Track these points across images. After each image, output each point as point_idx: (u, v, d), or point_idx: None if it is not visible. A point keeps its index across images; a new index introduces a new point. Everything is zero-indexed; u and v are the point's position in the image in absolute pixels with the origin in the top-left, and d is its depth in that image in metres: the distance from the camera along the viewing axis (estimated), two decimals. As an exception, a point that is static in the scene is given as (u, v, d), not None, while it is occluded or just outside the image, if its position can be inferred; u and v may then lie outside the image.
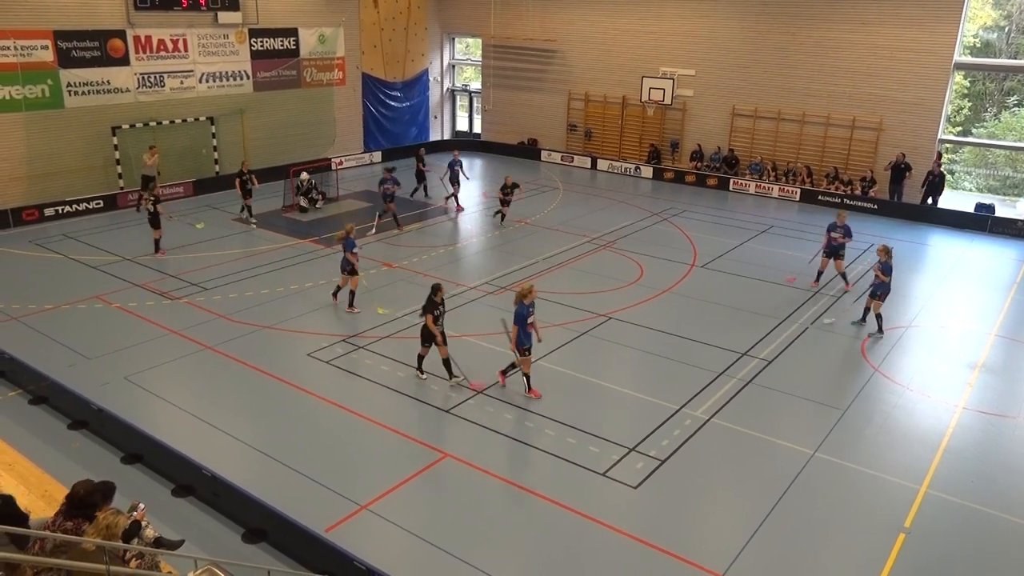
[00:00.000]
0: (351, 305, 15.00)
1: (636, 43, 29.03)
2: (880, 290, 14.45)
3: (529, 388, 11.86)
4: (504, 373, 12.15)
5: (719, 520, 9.28)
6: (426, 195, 24.60)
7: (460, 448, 10.45)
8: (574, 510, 9.21)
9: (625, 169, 29.36)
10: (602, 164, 29.98)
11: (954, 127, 25.87)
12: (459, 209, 23.02)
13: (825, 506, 9.49)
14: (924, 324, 15.44)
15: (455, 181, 22.81)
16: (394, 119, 31.90)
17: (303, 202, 22.48)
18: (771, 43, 26.30)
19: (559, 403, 11.77)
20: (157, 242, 18.08)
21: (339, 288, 15.26)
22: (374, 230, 20.35)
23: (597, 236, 20.61)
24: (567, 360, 13.25)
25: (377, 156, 30.22)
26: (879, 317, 14.60)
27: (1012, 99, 30.99)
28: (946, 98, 24.34)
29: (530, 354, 11.74)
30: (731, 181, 27.00)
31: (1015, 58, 24.90)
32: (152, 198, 17.68)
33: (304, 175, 22.85)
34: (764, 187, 26.36)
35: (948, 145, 25.32)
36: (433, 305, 11.80)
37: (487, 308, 15.53)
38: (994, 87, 30.90)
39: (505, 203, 21.32)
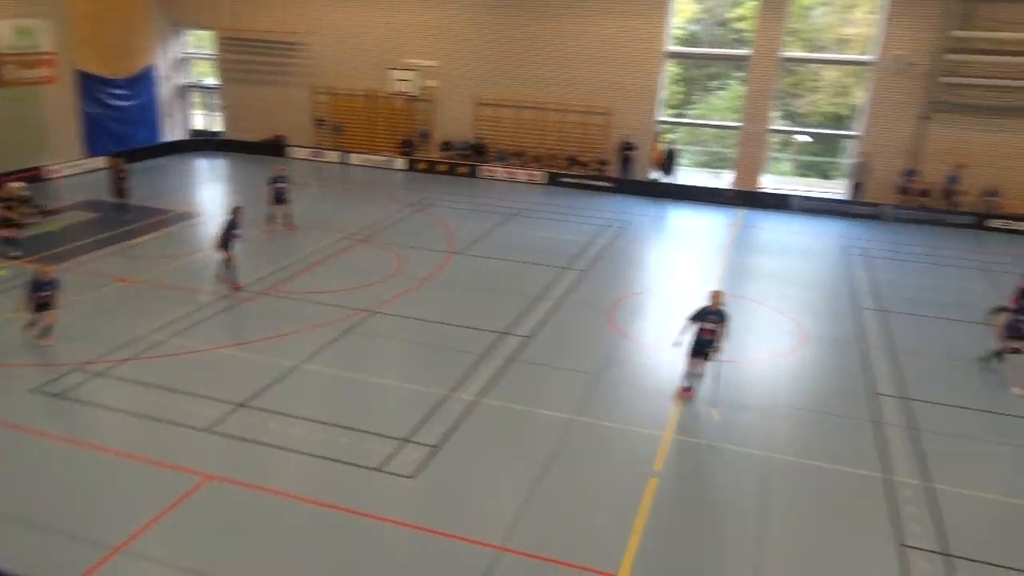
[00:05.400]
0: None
1: (380, 35, 28.91)
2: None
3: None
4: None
5: (496, 494, 9.63)
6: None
7: (223, 467, 9.82)
8: (353, 511, 9.07)
9: (378, 162, 29.22)
10: (355, 158, 29.58)
11: (671, 109, 28.84)
12: (289, 227, 19.97)
13: (587, 464, 10.22)
14: (658, 289, 17.11)
15: (281, 199, 19.75)
16: (120, 119, 28.94)
17: (15, 218, 19.67)
18: (508, 34, 27.50)
19: (327, 405, 11.50)
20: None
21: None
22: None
23: (354, 231, 20.32)
24: (332, 360, 12.96)
25: (101, 161, 27.23)
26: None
27: (715, 83, 35.36)
28: (662, 84, 27.07)
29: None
30: (481, 168, 27.93)
31: (715, 47, 28.43)
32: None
33: (15, 185, 20.00)
34: (512, 173, 27.59)
35: (666, 126, 28.17)
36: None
37: (242, 317, 14.74)
38: (700, 73, 34.90)
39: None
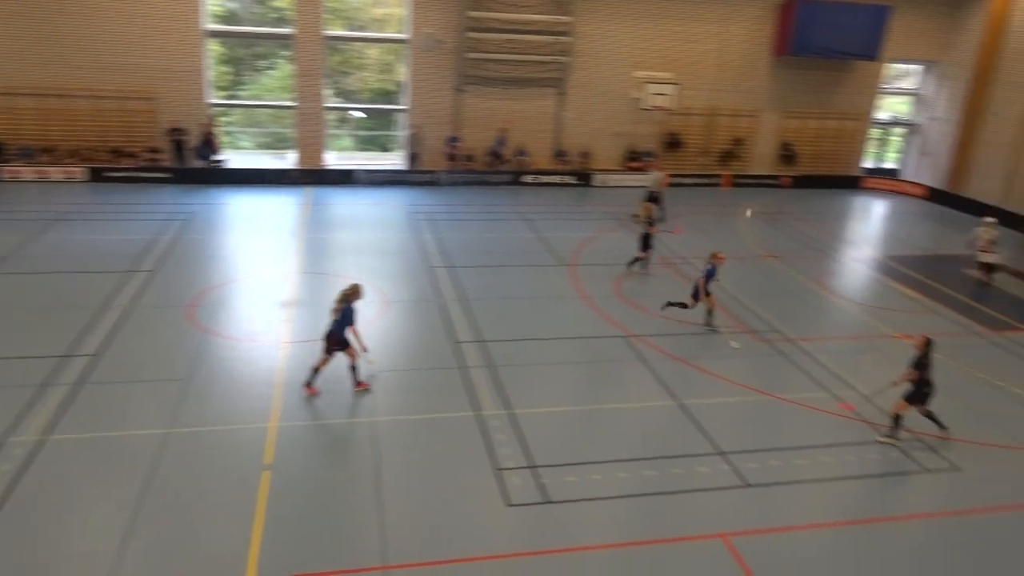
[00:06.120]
0: None
1: None
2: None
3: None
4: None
5: (87, 538, 8.43)
6: None
7: None
8: None
9: None
10: None
11: (222, 91, 27.51)
12: None
13: (193, 474, 9.50)
14: (239, 278, 16.47)
15: None
16: None
17: None
18: (13, 11, 23.30)
19: None
20: None
21: None
22: None
23: None
24: None
25: None
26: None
27: (264, 63, 34.46)
28: (208, 64, 25.66)
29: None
30: (0, 170, 23.56)
31: (256, 26, 27.72)
32: None
33: None
34: (43, 172, 23.79)
35: (219, 109, 26.90)
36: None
37: None
38: (247, 53, 33.74)
39: None
